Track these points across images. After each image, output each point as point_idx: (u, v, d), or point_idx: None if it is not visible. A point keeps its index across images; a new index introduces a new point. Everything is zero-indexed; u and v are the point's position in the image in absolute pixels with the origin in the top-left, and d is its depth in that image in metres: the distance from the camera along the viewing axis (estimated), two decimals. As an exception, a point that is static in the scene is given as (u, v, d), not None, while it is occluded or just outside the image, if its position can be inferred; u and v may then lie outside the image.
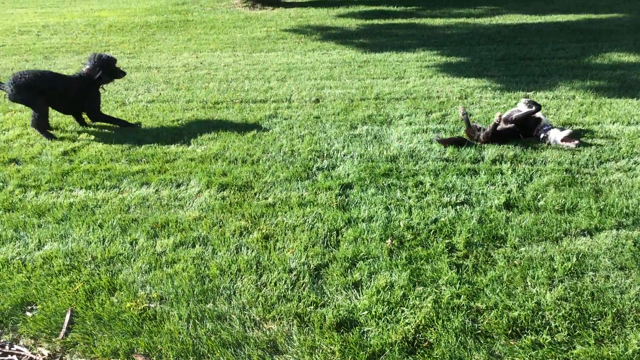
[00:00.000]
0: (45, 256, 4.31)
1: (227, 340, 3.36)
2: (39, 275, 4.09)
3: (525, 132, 6.19)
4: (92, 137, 6.89)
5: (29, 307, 3.80)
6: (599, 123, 6.58)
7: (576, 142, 5.87)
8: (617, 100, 7.44)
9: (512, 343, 3.21)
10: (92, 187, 5.49)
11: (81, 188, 5.46)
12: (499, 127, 6.03)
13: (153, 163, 5.98)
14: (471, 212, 4.68)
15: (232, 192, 5.28)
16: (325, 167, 5.76)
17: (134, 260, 4.23)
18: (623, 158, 5.57)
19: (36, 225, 4.78)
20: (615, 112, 6.91)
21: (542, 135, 6.08)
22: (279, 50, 11.84)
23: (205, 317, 3.57)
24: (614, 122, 6.55)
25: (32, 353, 3.39)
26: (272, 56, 11.30)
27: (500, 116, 5.98)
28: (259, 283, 3.90)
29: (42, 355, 3.37)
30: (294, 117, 7.36)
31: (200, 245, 4.39)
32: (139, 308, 3.68)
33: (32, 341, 3.51)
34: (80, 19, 17.02)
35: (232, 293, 3.80)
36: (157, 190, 5.36)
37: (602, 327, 3.30)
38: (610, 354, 3.07)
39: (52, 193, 5.36)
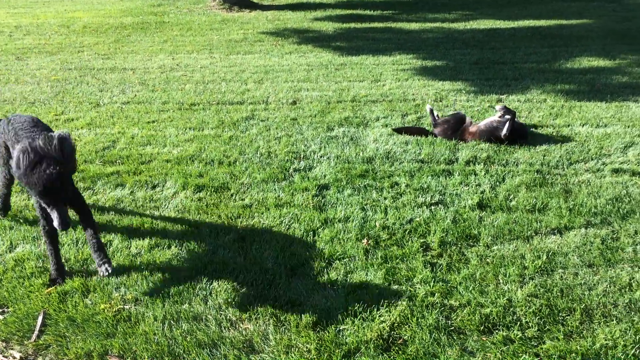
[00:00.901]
0: (17, 258, 4.25)
1: (202, 341, 3.36)
2: (10, 278, 4.03)
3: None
4: (66, 138, 6.81)
5: (0, 310, 3.74)
6: (569, 125, 6.73)
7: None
8: (587, 103, 7.62)
9: (484, 339, 3.27)
10: (66, 188, 5.42)
11: (54, 190, 5.39)
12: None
13: (128, 164, 5.93)
14: (445, 212, 4.76)
15: (208, 193, 5.27)
16: (302, 168, 5.79)
17: (109, 261, 4.20)
18: (592, 159, 5.71)
19: (7, 227, 4.70)
20: (585, 114, 7.08)
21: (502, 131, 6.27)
22: (256, 53, 11.84)
23: (181, 318, 3.56)
24: (583, 125, 6.71)
25: (3, 356, 3.34)
26: (249, 58, 11.30)
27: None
28: (235, 283, 3.90)
29: (14, 358, 3.32)
30: (271, 118, 7.38)
31: (175, 247, 4.37)
32: (114, 310, 3.65)
33: (4, 344, 3.46)
34: (54, 19, 16.77)
35: (208, 294, 3.79)
36: (132, 192, 5.32)
37: (571, 323, 3.38)
38: (578, 348, 3.16)
39: (24, 195, 5.28)
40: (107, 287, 3.89)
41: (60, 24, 15.96)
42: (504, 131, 6.13)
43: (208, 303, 3.70)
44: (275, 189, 5.32)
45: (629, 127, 6.56)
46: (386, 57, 11.08)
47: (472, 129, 6.39)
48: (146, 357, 3.26)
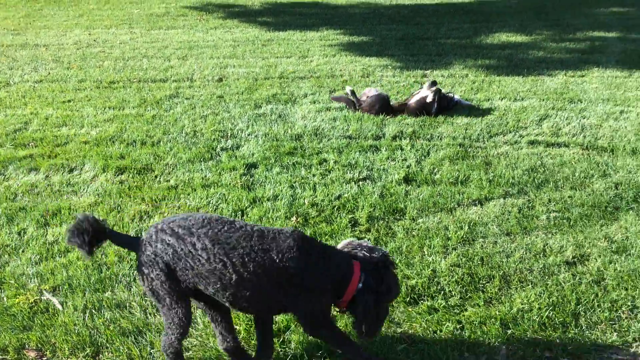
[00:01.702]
0: None
1: (127, 329, 3.25)
2: None
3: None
4: (-28, 120, 6.34)
5: None
6: (489, 99, 6.96)
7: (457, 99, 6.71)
8: (506, 78, 7.91)
9: (410, 310, 3.36)
10: (-27, 174, 5.07)
11: (-40, 176, 5.03)
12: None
13: (42, 147, 5.60)
14: (373, 188, 4.82)
15: (130, 175, 5.07)
16: (229, 147, 5.68)
17: (23, 251, 3.97)
18: (510, 132, 5.95)
19: None
20: (504, 89, 7.35)
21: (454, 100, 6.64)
22: (179, 28, 11.44)
23: (103, 307, 3.43)
24: (502, 99, 6.96)
25: None
26: (172, 34, 10.91)
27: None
28: (160, 267, 3.79)
29: None
30: (196, 96, 7.17)
31: (97, 232, 4.18)
32: (30, 301, 3.47)
33: None
34: (-45, -9, 15.48)
35: (131, 280, 3.67)
36: (47, 176, 5.04)
37: (491, 289, 3.53)
38: (497, 313, 3.30)
39: None
40: (22, 277, 3.68)
41: (-38, -4, 14.76)
42: (433, 109, 6.42)
43: (132, 290, 3.58)
44: (201, 169, 5.19)
45: (543, 100, 6.87)
46: (313, 32, 11.01)
47: (401, 107, 6.53)
48: (66, 349, 3.12)
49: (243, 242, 2.57)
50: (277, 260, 2.56)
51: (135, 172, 5.13)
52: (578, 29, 11.13)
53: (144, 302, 3.46)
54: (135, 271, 2.75)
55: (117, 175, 5.07)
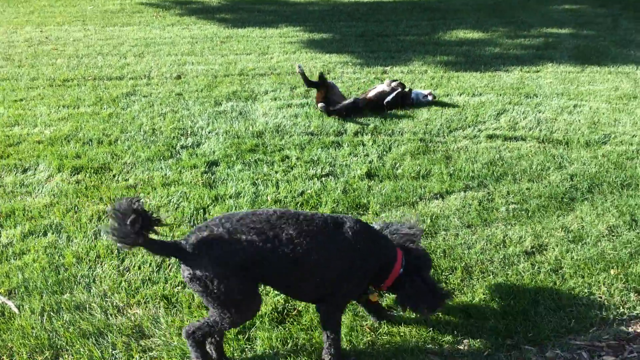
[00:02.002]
0: None
1: (87, 330, 3.16)
2: None
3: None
4: None
5: None
6: (448, 95, 7.07)
7: (432, 95, 6.73)
8: (464, 73, 8.05)
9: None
10: None
11: None
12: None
13: (-7, 147, 5.40)
14: (336, 183, 4.82)
15: (87, 175, 4.93)
16: (189, 145, 5.59)
17: (-25, 254, 3.82)
18: (469, 126, 6.05)
19: None
20: (462, 84, 7.48)
21: (413, 98, 6.65)
22: (135, 25, 11.20)
23: (62, 309, 3.33)
24: (461, 94, 7.08)
25: None
26: (128, 31, 10.67)
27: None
28: (121, 268, 3.71)
29: None
30: (154, 94, 7.03)
31: (52, 233, 4.06)
32: (-17, 306, 3.33)
33: None
34: None
35: (91, 281, 3.57)
36: (-1, 177, 4.86)
37: (453, 281, 3.58)
38: (459, 303, 3.36)
39: None
40: (-26, 282, 3.53)
41: None
42: (389, 98, 6.51)
43: (92, 291, 3.48)
44: (161, 168, 5.10)
45: (500, 95, 7.02)
46: (273, 29, 10.95)
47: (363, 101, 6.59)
48: (24, 352, 3.01)
49: (319, 230, 2.67)
50: (346, 247, 2.71)
51: (92, 171, 4.99)
52: (532, 25, 11.43)
53: (104, 302, 3.38)
54: (189, 278, 2.57)
55: (73, 175, 4.93)
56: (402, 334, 3.14)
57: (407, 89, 6.69)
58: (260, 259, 2.58)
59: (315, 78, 6.59)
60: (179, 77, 7.77)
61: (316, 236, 2.65)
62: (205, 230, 2.58)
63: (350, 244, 2.72)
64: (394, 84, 6.64)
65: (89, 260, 3.76)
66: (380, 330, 3.18)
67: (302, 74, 6.44)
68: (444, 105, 6.71)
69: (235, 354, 3.00)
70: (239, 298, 2.62)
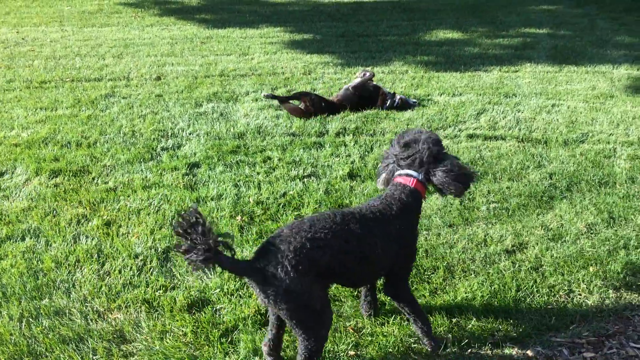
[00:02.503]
0: None
1: (67, 336, 3.11)
2: None
3: (371, 102, 6.63)
4: None
5: None
6: (428, 95, 7.11)
7: (415, 100, 6.78)
8: (444, 74, 8.10)
9: (358, 303, 3.38)
10: None
11: None
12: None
13: (-31, 151, 5.29)
14: (318, 184, 4.82)
15: (66, 178, 4.86)
16: (170, 146, 5.54)
17: (-50, 260, 3.74)
18: (450, 126, 6.10)
19: None
20: (442, 84, 7.53)
21: (389, 101, 6.62)
22: (113, 25, 11.07)
23: (41, 314, 3.27)
24: (441, 94, 7.13)
25: None
26: (107, 31, 10.54)
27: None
28: (101, 272, 3.66)
29: None
30: (133, 95, 6.96)
31: (31, 238, 3.99)
32: (-41, 313, 3.26)
33: None
34: None
35: (71, 286, 3.52)
36: (-25, 181, 4.76)
37: (435, 280, 3.60)
38: (442, 302, 3.38)
39: None
40: (-50, 289, 3.46)
41: None
42: (352, 83, 6.63)
43: (71, 296, 3.43)
44: (142, 170, 5.04)
45: (480, 95, 7.08)
46: (253, 30, 10.91)
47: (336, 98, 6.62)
48: (3, 359, 2.96)
49: (374, 222, 2.72)
50: (396, 227, 2.77)
51: (70, 174, 4.92)
52: (511, 26, 11.55)
53: (84, 308, 3.33)
54: (268, 296, 2.46)
55: (52, 178, 4.85)
56: (385, 334, 3.14)
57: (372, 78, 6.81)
58: (335, 261, 2.59)
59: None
60: (158, 78, 7.71)
61: (374, 227, 2.71)
62: (291, 240, 2.51)
63: (398, 222, 2.78)
64: (367, 74, 6.74)
65: (69, 264, 3.71)
66: (364, 331, 3.18)
67: (272, 97, 6.47)
68: (425, 105, 6.75)
69: (218, 357, 2.98)
70: (319, 307, 2.59)
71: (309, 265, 2.47)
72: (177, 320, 3.24)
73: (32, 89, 7.17)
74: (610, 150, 5.48)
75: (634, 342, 3.12)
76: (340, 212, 2.72)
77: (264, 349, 2.86)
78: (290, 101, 6.44)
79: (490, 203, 4.53)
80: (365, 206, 2.83)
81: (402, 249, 2.82)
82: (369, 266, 2.74)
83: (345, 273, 2.70)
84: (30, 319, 3.24)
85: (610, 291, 3.52)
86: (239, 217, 4.29)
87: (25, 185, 4.75)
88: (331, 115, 6.32)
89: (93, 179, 4.88)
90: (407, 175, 2.88)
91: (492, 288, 3.51)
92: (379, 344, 3.07)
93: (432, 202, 4.52)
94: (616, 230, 4.14)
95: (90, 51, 9.05)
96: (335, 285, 3.47)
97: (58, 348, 3.03)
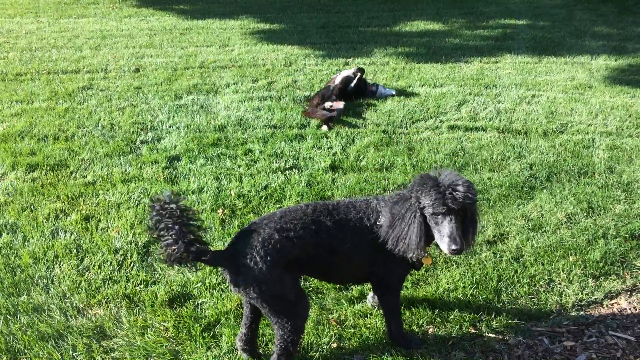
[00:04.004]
0: None
1: (46, 333, 3.06)
2: None
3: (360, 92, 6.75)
4: None
5: None
6: (410, 87, 7.12)
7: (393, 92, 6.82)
8: (425, 65, 8.11)
9: (340, 295, 3.38)
10: None
11: None
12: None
13: (-58, 145, 5.17)
14: (300, 176, 4.80)
15: (43, 172, 4.77)
16: (149, 140, 5.47)
17: None
18: (431, 118, 6.11)
19: None
20: (424, 76, 7.54)
21: (373, 89, 6.75)
22: (90, 16, 10.88)
23: (19, 311, 3.22)
24: (422, 85, 7.13)
25: None
26: (83, 22, 10.35)
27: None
28: (80, 267, 3.60)
29: None
30: (111, 88, 6.85)
31: (7, 234, 3.92)
32: None
33: None
34: None
35: (49, 282, 3.46)
36: (-52, 176, 4.66)
37: (418, 272, 3.61)
38: (424, 294, 3.39)
39: None
40: None
41: None
42: (353, 83, 6.66)
43: (50, 292, 3.37)
44: (121, 163, 4.97)
45: (461, 86, 7.11)
46: (233, 21, 10.81)
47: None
48: (-21, 360, 2.90)
49: (352, 216, 2.68)
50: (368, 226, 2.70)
51: (48, 168, 4.83)
52: (490, 17, 11.60)
53: (63, 304, 3.28)
54: (239, 285, 2.48)
55: (29, 173, 4.76)
56: (368, 326, 3.15)
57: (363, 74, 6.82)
58: (306, 253, 2.58)
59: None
60: (137, 70, 7.59)
61: (347, 221, 2.68)
62: (262, 233, 2.51)
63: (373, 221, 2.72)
64: (354, 70, 6.78)
65: (47, 260, 3.65)
66: (347, 323, 3.18)
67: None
68: (406, 96, 6.75)
69: (200, 351, 2.96)
70: (293, 297, 2.57)
71: (278, 256, 2.48)
72: (159, 315, 3.20)
73: (7, 81, 7.02)
74: (589, 140, 5.55)
75: (613, 330, 3.16)
76: (313, 204, 2.71)
77: (238, 344, 2.86)
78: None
79: (471, 194, 4.55)
80: (346, 201, 2.80)
81: (377, 256, 2.71)
82: (341, 261, 2.69)
83: (316, 266, 2.68)
84: (8, 316, 3.18)
85: (590, 280, 3.56)
86: (220, 210, 4.25)
87: (1, 180, 4.65)
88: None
89: (71, 173, 4.80)
90: None
91: (474, 279, 3.53)
92: (362, 335, 3.08)
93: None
94: (595, 220, 4.19)
95: (66, 43, 8.88)
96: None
97: (37, 345, 2.98)
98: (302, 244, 2.55)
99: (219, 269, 3.60)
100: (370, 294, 3.28)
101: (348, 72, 6.73)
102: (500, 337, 3.11)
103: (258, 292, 2.48)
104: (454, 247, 2.42)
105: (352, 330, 3.12)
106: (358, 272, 2.83)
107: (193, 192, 4.51)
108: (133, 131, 5.62)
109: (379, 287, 2.89)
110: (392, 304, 2.91)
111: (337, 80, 6.62)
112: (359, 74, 6.67)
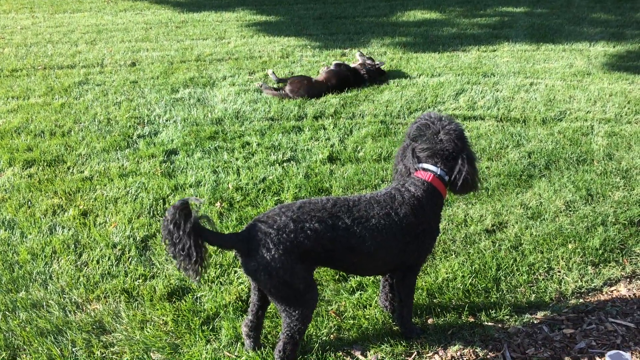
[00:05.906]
0: None
1: (45, 329, 3.06)
2: None
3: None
4: None
5: None
6: (407, 76, 7.08)
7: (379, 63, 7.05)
8: (422, 54, 8.07)
9: (339, 286, 3.37)
10: None
11: None
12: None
13: (-62, 142, 5.15)
14: (297, 168, 4.78)
15: (40, 168, 4.76)
16: (146, 134, 5.45)
17: None
18: (429, 107, 6.09)
19: None
20: (421, 65, 7.50)
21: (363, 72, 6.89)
22: (85, 11, 10.82)
23: (18, 307, 3.21)
24: (420, 75, 7.10)
25: None
26: (79, 17, 10.30)
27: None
28: (79, 263, 3.60)
29: None
30: (108, 82, 6.82)
31: (5, 230, 3.91)
32: None
33: None
34: None
35: (48, 277, 3.46)
36: (-55, 174, 4.64)
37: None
38: (423, 284, 3.39)
39: None
40: None
41: None
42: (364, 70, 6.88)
43: (49, 287, 3.37)
44: (118, 158, 4.96)
45: (459, 75, 7.08)
46: (229, 13, 10.75)
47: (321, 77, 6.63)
48: (-22, 356, 2.90)
49: (374, 212, 2.63)
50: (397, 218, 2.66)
51: (45, 164, 4.82)
52: (488, 5, 11.54)
53: (62, 299, 3.27)
54: (249, 269, 2.49)
55: (25, 169, 4.75)
56: (367, 316, 3.14)
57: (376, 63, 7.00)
58: (324, 247, 2.56)
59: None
60: (133, 64, 7.56)
61: (367, 223, 2.62)
62: (278, 221, 2.50)
63: (401, 211, 2.67)
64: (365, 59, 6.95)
65: (45, 256, 3.64)
66: (346, 314, 3.18)
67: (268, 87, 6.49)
68: (403, 86, 6.72)
69: (199, 344, 2.96)
70: (302, 288, 2.56)
71: (291, 245, 2.46)
72: (158, 309, 3.20)
73: (2, 77, 6.99)
74: (587, 127, 5.52)
75: (613, 317, 3.16)
76: (334, 199, 2.67)
77: (244, 329, 2.86)
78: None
79: (470, 183, 4.54)
80: (367, 196, 2.74)
81: (410, 246, 2.70)
82: (362, 258, 2.67)
83: (335, 260, 2.66)
84: (7, 312, 3.18)
85: (589, 268, 3.56)
86: (218, 204, 4.24)
87: (-2, 176, 4.64)
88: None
89: (68, 168, 4.79)
90: (424, 170, 2.75)
91: (473, 268, 3.52)
92: (361, 326, 3.07)
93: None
94: (594, 207, 4.18)
95: (62, 38, 8.83)
96: (316, 270, 3.47)
97: (36, 341, 2.98)
98: (317, 237, 2.52)
99: (220, 266, 3.60)
100: (383, 296, 3.20)
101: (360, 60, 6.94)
102: (499, 325, 3.10)
103: (267, 278, 2.48)
104: None
105: (352, 322, 3.11)
106: (384, 267, 2.82)
107: (190, 186, 4.50)
108: (130, 125, 5.59)
109: (402, 271, 2.86)
110: (412, 284, 2.92)
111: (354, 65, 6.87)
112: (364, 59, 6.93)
